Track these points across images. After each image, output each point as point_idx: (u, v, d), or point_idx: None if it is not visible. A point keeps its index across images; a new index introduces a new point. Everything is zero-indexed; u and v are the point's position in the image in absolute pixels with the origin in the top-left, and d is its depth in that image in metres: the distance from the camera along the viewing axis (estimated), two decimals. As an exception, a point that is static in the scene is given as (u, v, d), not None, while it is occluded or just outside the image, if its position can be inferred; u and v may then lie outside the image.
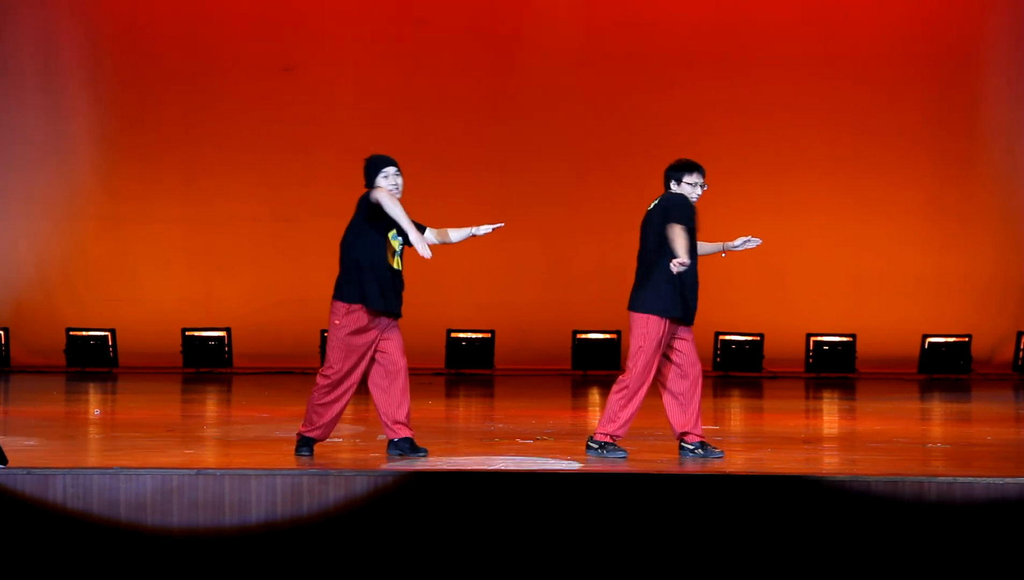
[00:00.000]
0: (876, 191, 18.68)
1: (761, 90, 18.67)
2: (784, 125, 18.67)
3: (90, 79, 18.73)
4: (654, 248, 8.96)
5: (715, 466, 8.64)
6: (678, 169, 9.08)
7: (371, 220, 8.83)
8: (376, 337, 8.90)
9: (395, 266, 8.92)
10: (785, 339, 18.11)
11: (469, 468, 8.53)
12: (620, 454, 8.98)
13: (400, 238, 8.93)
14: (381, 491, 7.71)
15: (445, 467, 8.53)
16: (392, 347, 8.92)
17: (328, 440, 9.25)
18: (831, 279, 18.58)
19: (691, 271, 8.95)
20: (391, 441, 8.98)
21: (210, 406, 14.32)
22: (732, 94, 18.65)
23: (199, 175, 18.73)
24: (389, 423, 8.96)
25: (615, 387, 9.03)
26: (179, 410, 13.78)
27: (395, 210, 8.73)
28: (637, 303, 9.00)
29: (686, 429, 9.06)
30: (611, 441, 9.02)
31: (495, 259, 18.45)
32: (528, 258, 18.45)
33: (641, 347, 8.92)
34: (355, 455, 9.22)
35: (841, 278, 18.57)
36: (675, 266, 8.71)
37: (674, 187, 9.04)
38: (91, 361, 17.98)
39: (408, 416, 8.97)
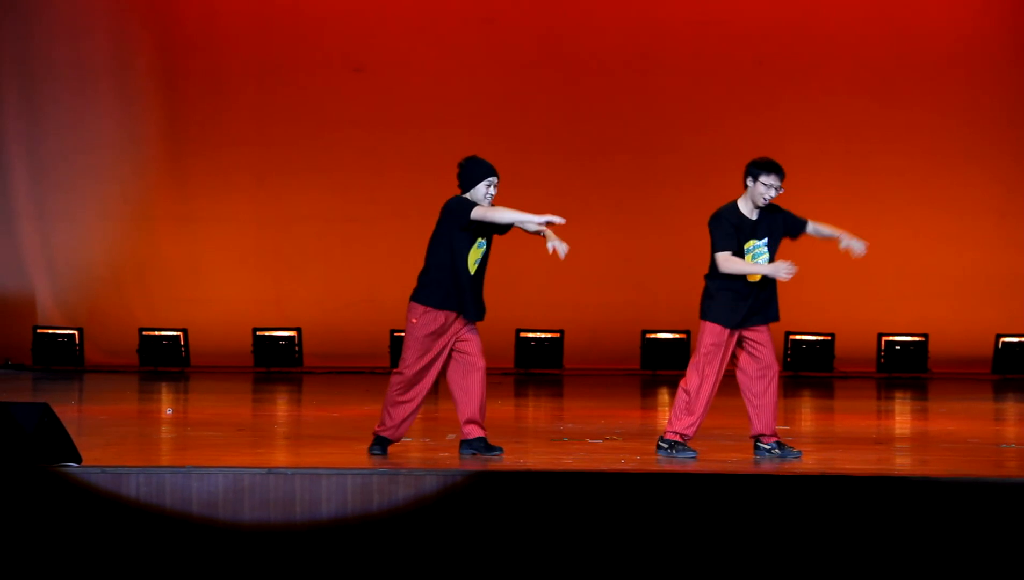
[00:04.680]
0: (948, 189, 18.52)
1: (831, 87, 18.56)
2: (855, 122, 18.55)
3: (163, 81, 18.88)
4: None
5: (787, 466, 8.59)
6: (757, 166, 8.99)
7: (464, 229, 8.84)
8: (452, 338, 8.90)
9: (472, 271, 8.92)
10: (856, 339, 17.98)
11: (538, 467, 8.52)
12: (690, 454, 8.94)
13: (484, 243, 8.94)
14: (451, 490, 7.70)
15: (513, 466, 8.53)
16: (471, 347, 8.92)
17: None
18: (903, 278, 18.43)
19: (746, 280, 8.93)
20: (464, 440, 8.98)
21: (280, 405, 14.35)
22: (802, 92, 18.56)
23: (270, 175, 18.83)
24: (463, 422, 8.97)
25: (680, 389, 9.02)
26: (250, 409, 13.84)
27: (505, 216, 8.76)
28: (701, 310, 9.01)
29: (760, 431, 9.02)
30: (680, 440, 8.98)
31: (565, 259, 18.39)
32: (598, 258, 18.40)
33: (699, 351, 8.93)
34: (424, 454, 9.22)
35: (913, 277, 18.42)
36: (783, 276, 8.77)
37: (749, 184, 8.97)
38: (163, 361, 18.12)
39: (483, 416, 8.98)
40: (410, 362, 8.90)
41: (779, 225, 9.03)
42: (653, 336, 18.06)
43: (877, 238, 18.27)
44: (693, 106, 18.67)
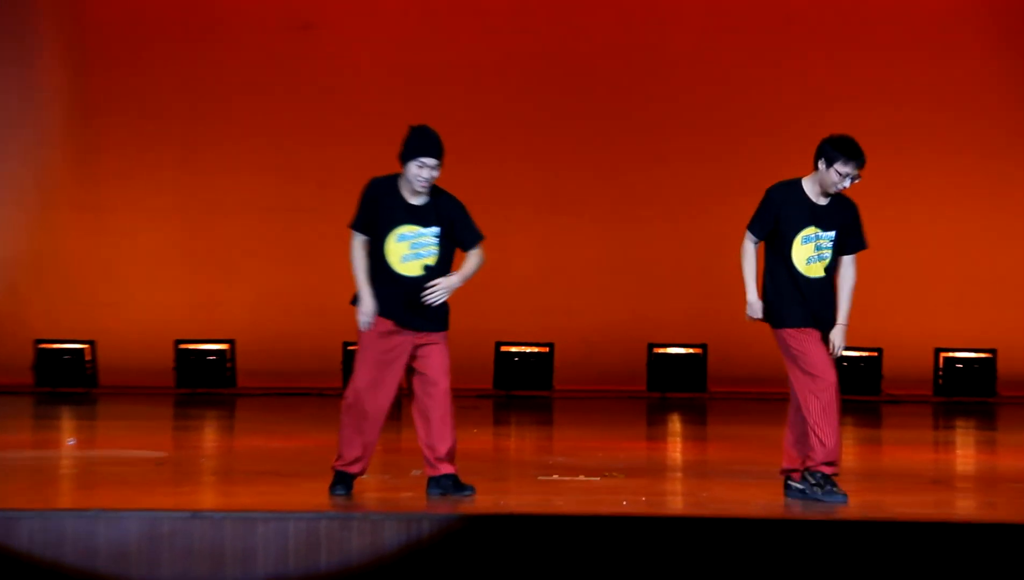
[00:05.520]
0: (1014, 177, 18.58)
1: (877, 67, 18.65)
2: (905, 105, 18.62)
3: (67, 40, 18.88)
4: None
5: (823, 510, 8.56)
6: (834, 148, 8.84)
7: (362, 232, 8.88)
8: (408, 346, 8.85)
9: (405, 273, 8.83)
10: (909, 356, 18.01)
11: (522, 511, 8.48)
12: (840, 497, 8.81)
13: (416, 239, 8.83)
14: (415, 538, 7.69)
15: (492, 510, 8.49)
16: (432, 364, 8.88)
17: (350, 476, 9.23)
18: (966, 284, 18.48)
19: (801, 276, 8.91)
20: (431, 478, 8.98)
21: (208, 434, 14.39)
22: (844, 72, 18.59)
23: (197, 154, 18.81)
24: (430, 457, 8.94)
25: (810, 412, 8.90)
26: (171, 439, 13.84)
27: (356, 274, 8.82)
28: (765, 315, 8.98)
29: (790, 465, 8.99)
30: (832, 473, 8.87)
31: (554, 258, 18.42)
32: (595, 255, 18.42)
33: (795, 370, 8.90)
34: (383, 494, 9.21)
35: (978, 283, 18.48)
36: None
37: (821, 167, 8.87)
38: (65, 380, 18.08)
39: (452, 450, 8.94)
40: (357, 378, 8.89)
41: (847, 225, 8.95)
42: (662, 351, 18.05)
43: (936, 236, 18.57)
44: (710, 78, 18.69)
